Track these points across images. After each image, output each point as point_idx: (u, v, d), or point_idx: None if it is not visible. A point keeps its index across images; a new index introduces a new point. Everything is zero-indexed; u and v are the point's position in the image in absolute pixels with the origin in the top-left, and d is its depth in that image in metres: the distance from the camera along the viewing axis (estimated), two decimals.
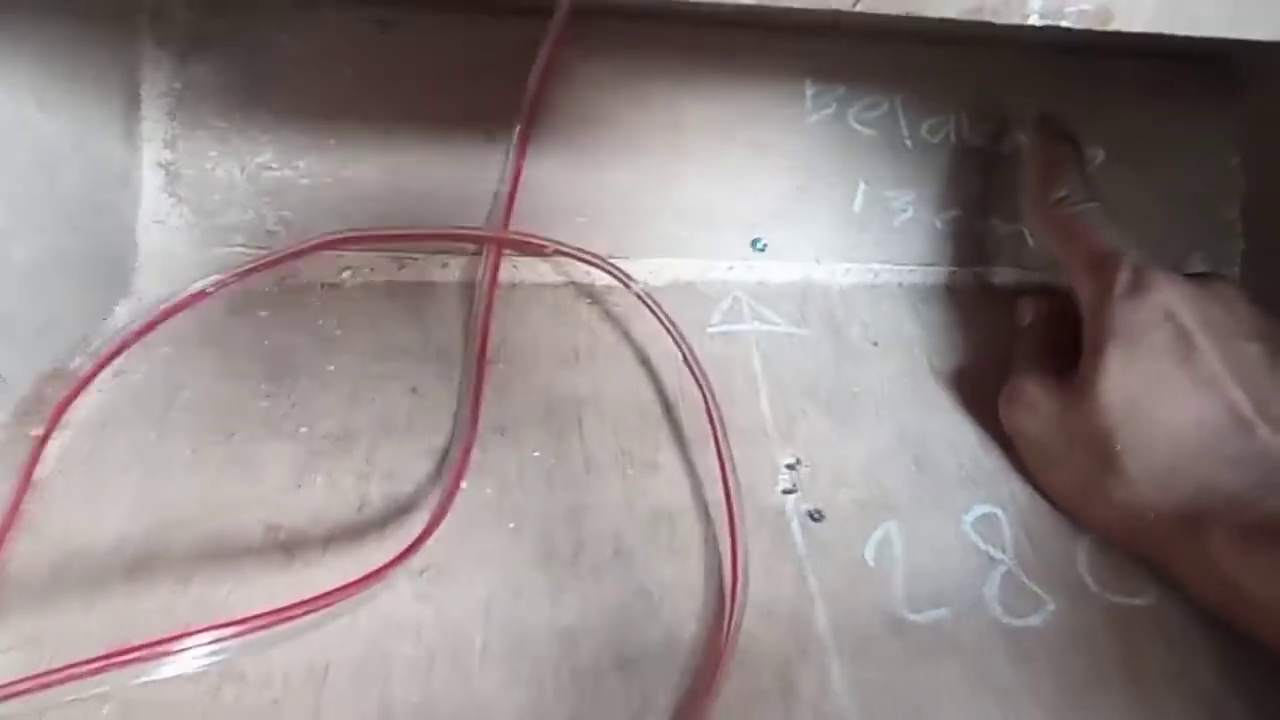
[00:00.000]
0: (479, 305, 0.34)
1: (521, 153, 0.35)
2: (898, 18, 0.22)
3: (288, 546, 0.25)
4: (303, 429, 0.29)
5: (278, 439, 0.28)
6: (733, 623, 0.25)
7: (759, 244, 0.38)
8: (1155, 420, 0.27)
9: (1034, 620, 0.27)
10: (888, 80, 0.38)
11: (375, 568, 0.23)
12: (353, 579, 0.22)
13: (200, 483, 0.26)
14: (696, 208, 0.38)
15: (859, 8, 0.20)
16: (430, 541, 0.26)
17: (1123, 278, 0.29)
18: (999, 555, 0.29)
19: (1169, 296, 0.28)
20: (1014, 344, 0.34)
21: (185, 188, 0.33)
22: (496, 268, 0.35)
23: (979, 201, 0.39)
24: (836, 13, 0.21)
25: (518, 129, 0.35)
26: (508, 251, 0.36)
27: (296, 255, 0.33)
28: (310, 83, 0.33)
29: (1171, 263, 0.30)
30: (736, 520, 0.27)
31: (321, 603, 0.21)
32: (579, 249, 0.35)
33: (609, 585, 0.26)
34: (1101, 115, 0.40)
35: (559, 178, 0.36)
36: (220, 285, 0.31)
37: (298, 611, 0.20)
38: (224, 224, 0.33)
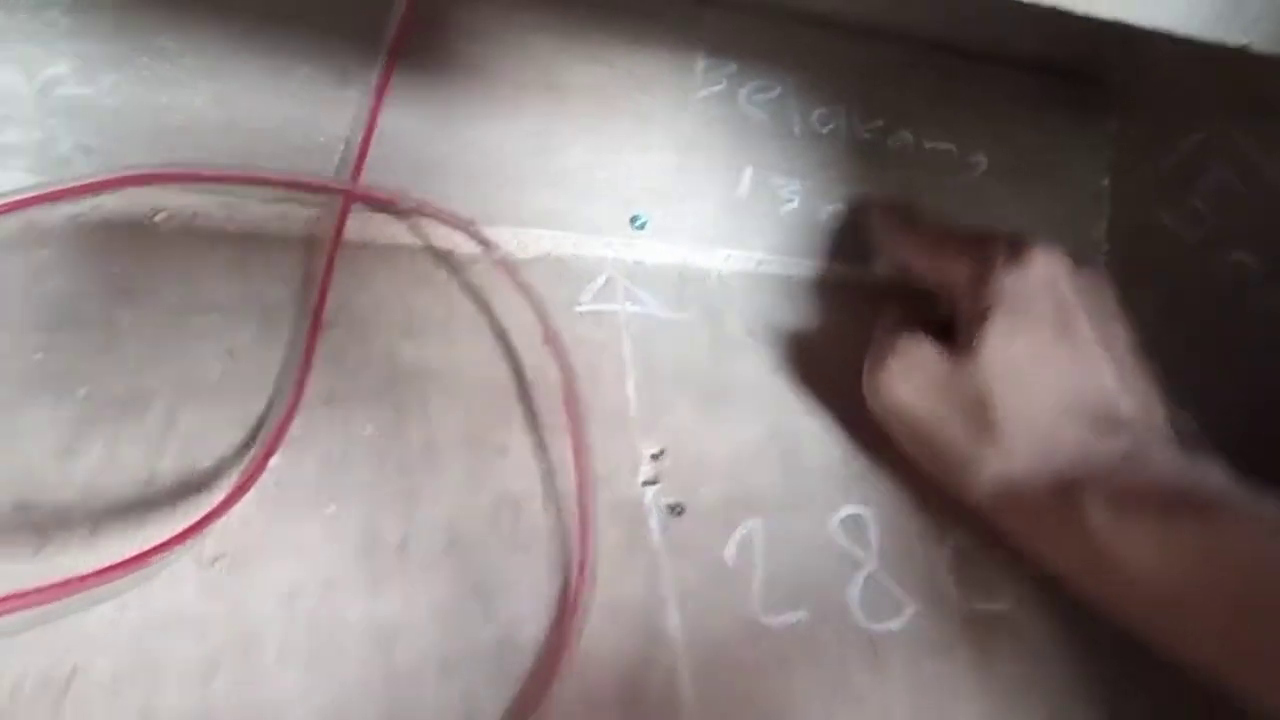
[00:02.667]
0: (319, 261, 0.30)
1: (379, 98, 0.32)
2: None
3: (41, 527, 0.21)
4: (81, 390, 0.24)
5: (44, 401, 0.24)
6: (575, 624, 0.22)
7: (639, 221, 0.36)
8: (1036, 387, 0.26)
9: (893, 625, 0.26)
10: (781, 62, 0.37)
11: (142, 550, 0.19)
12: (108, 564, 0.18)
13: None
14: (574, 178, 0.35)
15: None
16: (229, 524, 0.22)
17: (1003, 249, 0.29)
18: (863, 557, 0.28)
19: (1050, 268, 0.28)
20: (874, 327, 0.32)
21: None
22: (343, 223, 0.31)
23: (865, 197, 0.39)
24: None
25: (377, 71, 0.32)
26: (357, 207, 0.32)
27: (95, 188, 0.28)
28: None
29: None
30: (588, 511, 0.24)
31: (61, 591, 0.17)
32: (439, 209, 0.31)
33: (439, 579, 0.23)
34: (985, 122, 0.40)
35: (421, 130, 0.33)
36: None
37: (22, 602, 0.16)
38: (1, 143, 0.28)
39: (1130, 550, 0.23)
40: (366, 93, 0.32)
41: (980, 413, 0.26)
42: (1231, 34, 0.19)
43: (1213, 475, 0.24)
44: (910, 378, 0.28)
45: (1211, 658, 0.22)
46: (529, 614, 0.23)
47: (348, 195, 0.31)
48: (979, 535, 0.29)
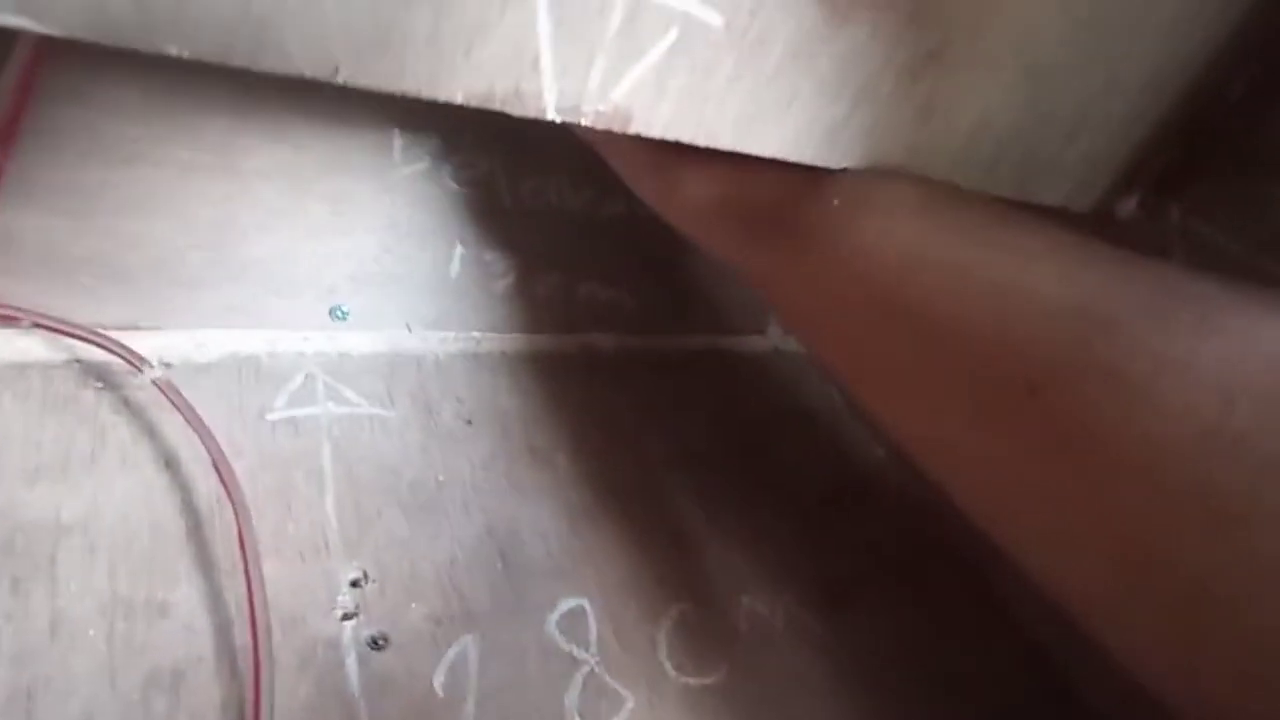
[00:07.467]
0: None
1: None
2: None
3: None
4: None
5: None
6: None
7: (339, 311, 0.33)
8: None
9: None
10: (484, 139, 0.36)
11: None
12: None
13: None
14: (262, 269, 0.32)
15: (341, 79, 0.17)
16: None
17: None
18: (582, 655, 0.27)
19: None
20: None
21: None
22: None
23: (581, 266, 0.39)
24: None
25: None
26: None
27: None
28: None
29: None
30: (261, 674, 0.22)
31: None
32: (68, 322, 0.27)
33: None
34: None
35: (60, 227, 0.28)
36: None
37: None
38: None
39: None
40: None
41: None
42: (834, 159, 0.21)
43: None
44: None
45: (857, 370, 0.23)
46: None
47: None
48: (696, 603, 0.30)
